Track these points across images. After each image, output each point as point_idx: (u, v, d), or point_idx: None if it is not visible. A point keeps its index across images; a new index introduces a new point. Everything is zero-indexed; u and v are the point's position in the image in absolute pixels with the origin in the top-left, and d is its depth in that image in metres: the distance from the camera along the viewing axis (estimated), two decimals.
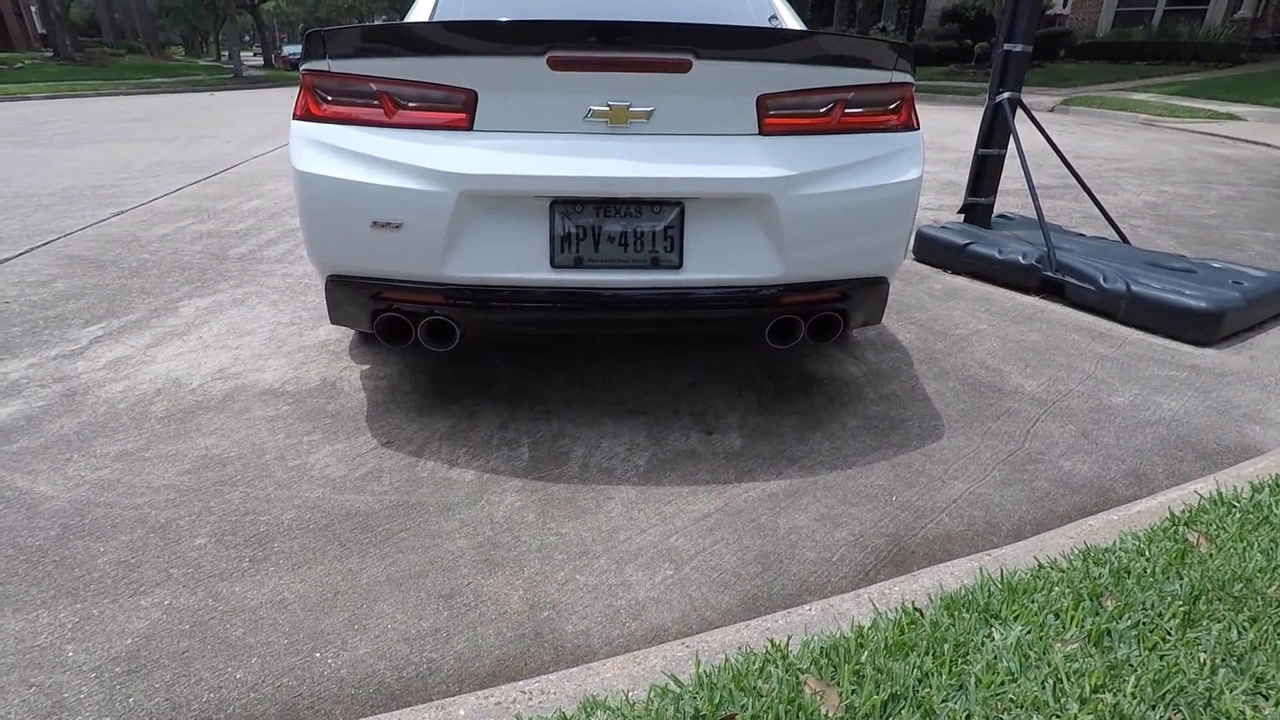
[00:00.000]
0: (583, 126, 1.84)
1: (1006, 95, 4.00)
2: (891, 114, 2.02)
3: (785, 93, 1.89)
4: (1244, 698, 1.20)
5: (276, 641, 1.46)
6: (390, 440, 2.20)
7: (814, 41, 1.89)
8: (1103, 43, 20.22)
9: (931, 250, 4.08)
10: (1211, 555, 1.55)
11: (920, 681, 1.23)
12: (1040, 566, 1.53)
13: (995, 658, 1.27)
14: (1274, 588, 1.44)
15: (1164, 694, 1.20)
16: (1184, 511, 1.71)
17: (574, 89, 1.80)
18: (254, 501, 1.90)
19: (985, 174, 4.29)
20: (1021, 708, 1.18)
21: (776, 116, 1.91)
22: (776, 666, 1.27)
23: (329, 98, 1.88)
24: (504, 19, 1.81)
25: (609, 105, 1.82)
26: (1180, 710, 1.18)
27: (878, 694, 1.20)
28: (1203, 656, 1.28)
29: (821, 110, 1.94)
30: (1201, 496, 1.78)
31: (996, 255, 3.72)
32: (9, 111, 13.12)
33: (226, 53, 36.91)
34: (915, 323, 3.22)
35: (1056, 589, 1.45)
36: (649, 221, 1.90)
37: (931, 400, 2.50)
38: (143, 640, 1.45)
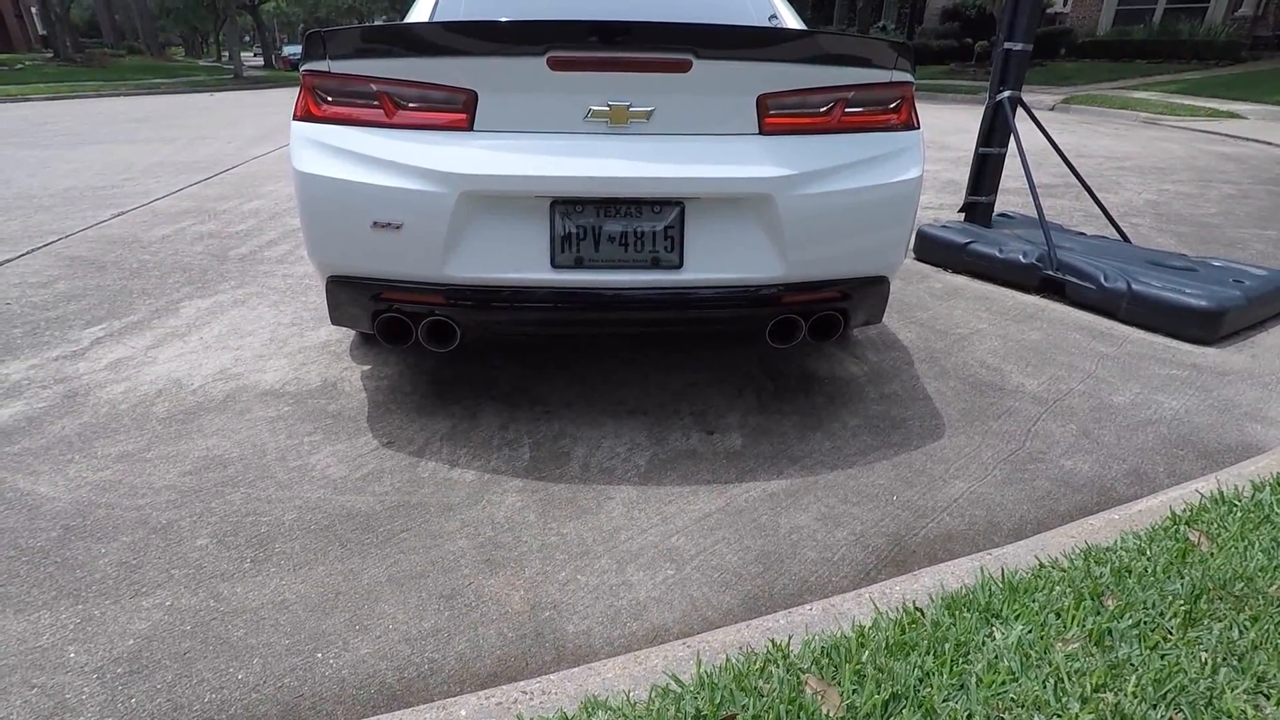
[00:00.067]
0: (583, 126, 1.84)
1: (1007, 94, 4.00)
2: (892, 113, 2.02)
3: (785, 92, 1.89)
4: (1245, 697, 1.20)
5: (278, 642, 1.46)
6: (391, 441, 2.20)
7: (814, 41, 1.89)
8: (1103, 41, 20.21)
9: (932, 249, 4.08)
10: (1213, 554, 1.54)
11: (921, 681, 1.23)
12: (1041, 566, 1.53)
13: (996, 657, 1.27)
14: (1275, 587, 1.44)
15: (1165, 693, 1.20)
16: (1185, 510, 1.71)
17: (574, 89, 1.80)
18: (255, 502, 1.90)
19: (986, 173, 4.29)
20: (1023, 707, 1.18)
21: (777, 116, 1.91)
22: (777, 666, 1.27)
23: (329, 98, 1.88)
24: (504, 19, 1.81)
25: (609, 105, 1.82)
26: (1181, 709, 1.18)
27: (879, 693, 1.20)
28: (1204, 656, 1.28)
29: (822, 110, 1.94)
30: (1203, 495, 1.78)
31: (997, 254, 3.72)
32: (10, 113, 13.13)
33: (227, 53, 36.93)
34: (916, 322, 3.21)
35: (1057, 588, 1.45)
36: (649, 221, 1.90)
37: (932, 399, 2.50)
38: (144, 641, 1.46)
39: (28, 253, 4.12)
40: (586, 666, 1.33)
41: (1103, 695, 1.20)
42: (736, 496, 1.96)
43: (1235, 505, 1.73)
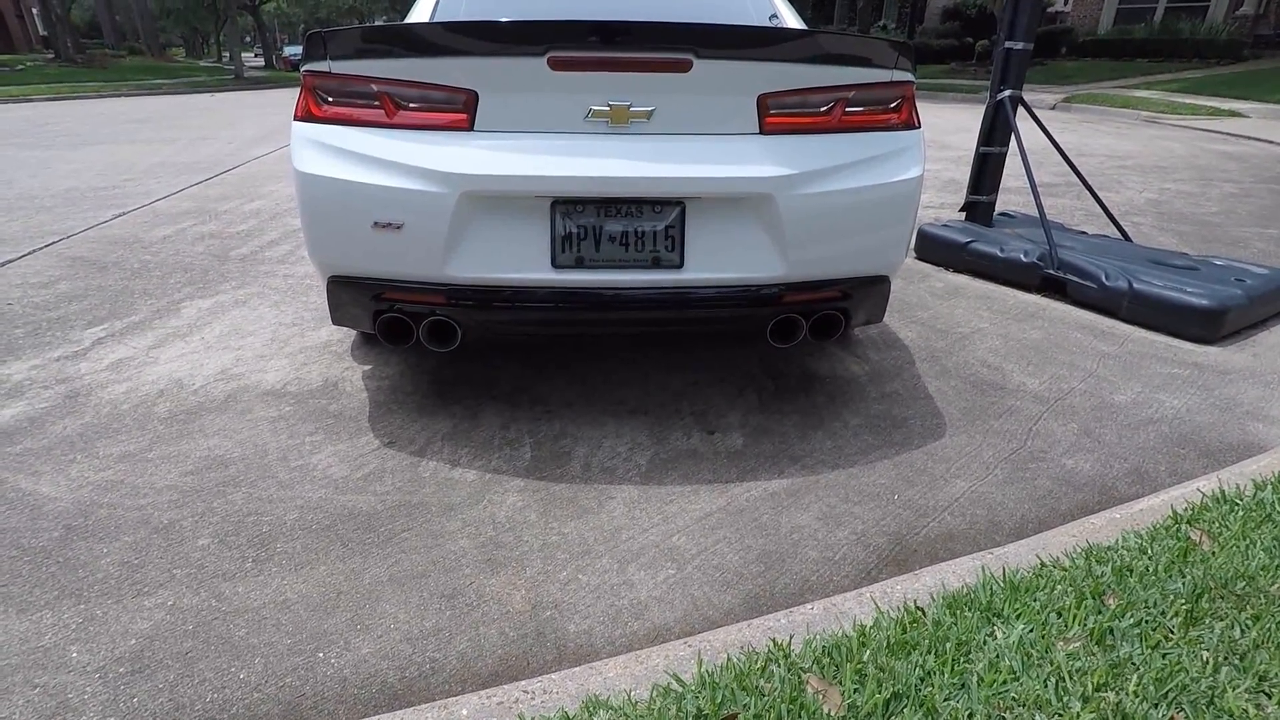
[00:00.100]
0: (583, 126, 1.84)
1: (1008, 93, 4.00)
2: (892, 112, 2.02)
3: (786, 92, 1.89)
4: (1246, 696, 1.20)
5: (279, 642, 1.46)
6: (392, 440, 2.20)
7: (814, 40, 1.89)
8: (1104, 40, 20.19)
9: (933, 248, 4.07)
10: (1214, 553, 1.54)
11: (922, 680, 1.23)
12: (1042, 565, 1.53)
13: (997, 656, 1.27)
14: (1277, 585, 1.44)
15: (1166, 692, 1.20)
16: (1186, 509, 1.71)
17: (574, 89, 1.81)
18: (257, 502, 1.90)
19: (986, 172, 4.28)
20: (1024, 706, 1.18)
21: (777, 116, 1.91)
22: (779, 666, 1.27)
23: (330, 99, 1.88)
24: (504, 19, 1.81)
25: (609, 105, 1.82)
26: (1183, 708, 1.18)
27: (880, 693, 1.20)
28: (1205, 655, 1.28)
29: (822, 109, 1.94)
30: (1204, 494, 1.78)
31: (998, 253, 3.71)
32: (11, 113, 13.14)
33: (227, 54, 36.94)
34: (917, 321, 3.21)
35: (1059, 587, 1.45)
36: (650, 221, 1.90)
37: (933, 398, 2.50)
38: (146, 641, 1.46)
39: (29, 253, 4.12)
40: (588, 666, 1.33)
41: (1104, 694, 1.20)
42: (738, 496, 1.96)
43: (1237, 504, 1.73)
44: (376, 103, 1.84)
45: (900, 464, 2.11)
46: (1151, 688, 1.21)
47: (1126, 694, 1.20)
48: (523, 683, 1.28)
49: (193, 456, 2.11)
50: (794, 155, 1.90)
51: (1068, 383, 2.62)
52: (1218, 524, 1.65)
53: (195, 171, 6.83)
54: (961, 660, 1.27)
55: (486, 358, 2.77)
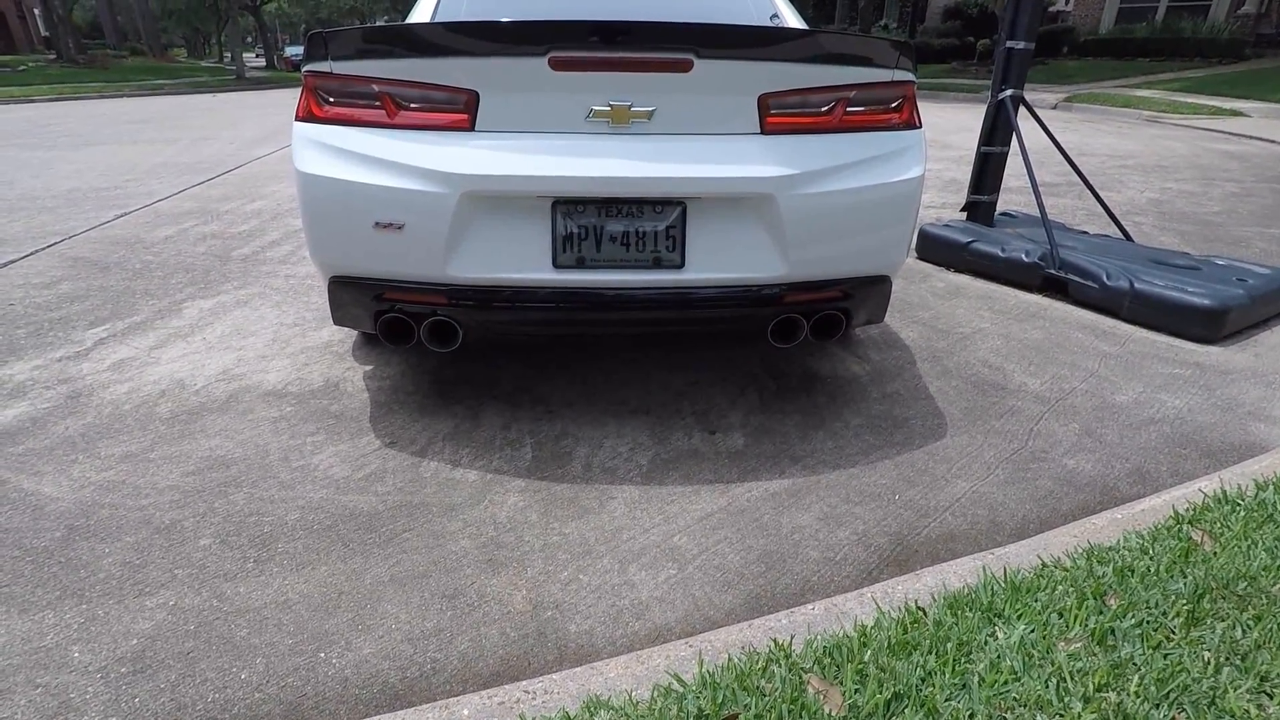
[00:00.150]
0: (584, 126, 1.84)
1: (1009, 93, 3.99)
2: (893, 112, 2.02)
3: (787, 92, 1.88)
4: (1248, 696, 1.20)
5: (281, 642, 1.46)
6: (393, 441, 2.21)
7: (815, 40, 1.89)
8: (1105, 39, 20.18)
9: (934, 248, 4.07)
10: (1216, 553, 1.54)
11: (923, 680, 1.23)
12: (1044, 565, 1.53)
13: (998, 656, 1.27)
14: (1278, 586, 1.44)
15: (1168, 693, 1.20)
16: (1188, 510, 1.71)
17: (575, 89, 1.81)
18: (258, 502, 1.90)
19: (988, 172, 4.28)
20: (1025, 706, 1.18)
21: (778, 115, 1.91)
22: (779, 666, 1.27)
23: (331, 99, 1.89)
24: (505, 19, 1.82)
25: (610, 105, 1.82)
26: (1184, 709, 1.18)
27: (881, 693, 1.20)
28: (1207, 655, 1.28)
29: (823, 109, 1.94)
30: (1206, 495, 1.78)
31: (999, 253, 3.71)
32: (13, 114, 13.16)
33: (229, 54, 36.99)
34: (918, 321, 3.21)
35: (1060, 588, 1.45)
36: (651, 221, 1.90)
37: (934, 399, 2.50)
38: (148, 641, 1.46)
39: (31, 254, 4.13)
40: (589, 666, 1.33)
41: (1105, 695, 1.20)
42: (739, 496, 1.96)
43: (1238, 504, 1.72)
44: (377, 103, 1.85)
45: (901, 464, 2.11)
46: (1153, 688, 1.21)
47: (1128, 694, 1.20)
48: (524, 683, 1.28)
49: (194, 457, 2.11)
50: (795, 155, 1.89)
51: (1069, 383, 2.62)
52: (1219, 524, 1.65)
53: (197, 172, 6.84)
54: (963, 660, 1.27)
55: (488, 358, 2.77)
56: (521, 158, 1.82)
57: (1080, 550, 1.57)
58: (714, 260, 1.94)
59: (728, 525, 1.84)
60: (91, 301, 3.37)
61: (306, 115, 1.92)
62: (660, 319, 2.13)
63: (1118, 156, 7.85)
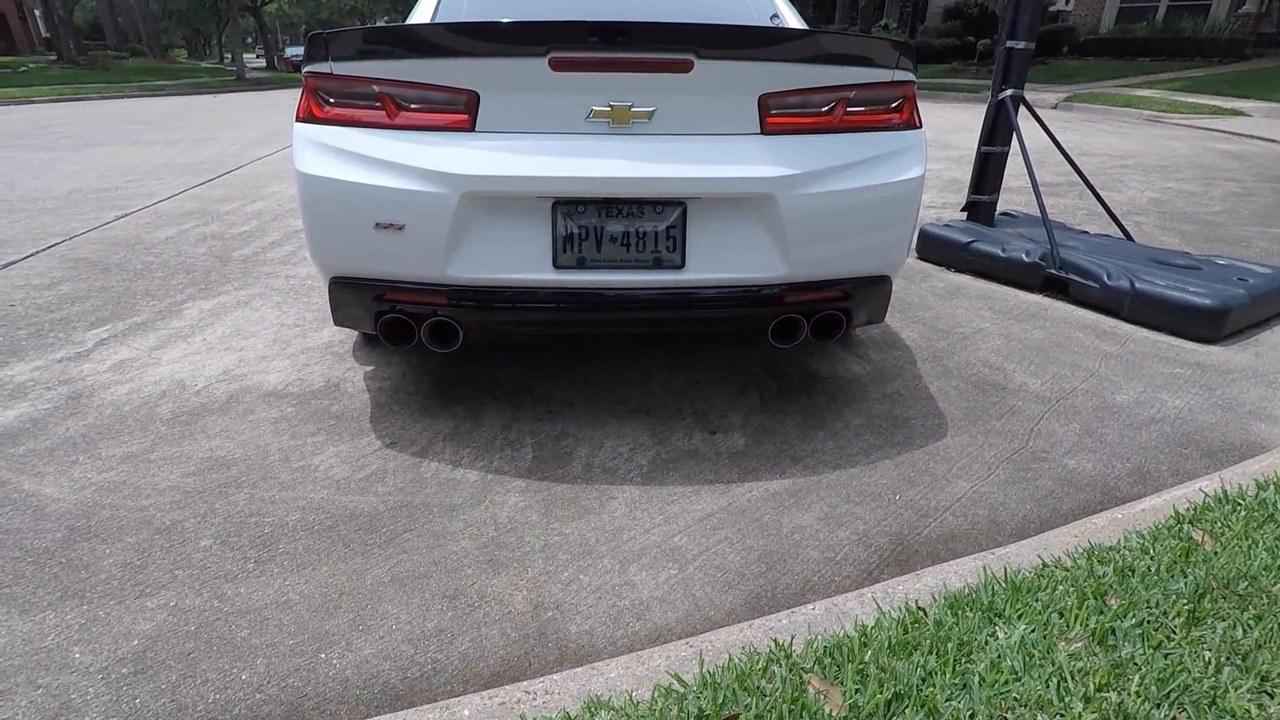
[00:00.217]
0: (585, 127, 1.84)
1: (1009, 92, 3.99)
2: (894, 112, 2.02)
3: (787, 92, 1.88)
4: (1249, 696, 1.19)
5: (282, 642, 1.47)
6: (394, 441, 2.21)
7: (816, 40, 1.89)
8: (1106, 39, 20.17)
9: (934, 248, 4.07)
10: (1216, 553, 1.54)
11: (924, 680, 1.23)
12: (1044, 565, 1.52)
13: (999, 656, 1.27)
14: (1279, 585, 1.44)
15: (1168, 692, 1.20)
16: (1189, 509, 1.71)
17: (576, 89, 1.81)
18: (259, 503, 1.90)
19: (988, 172, 4.28)
20: (1025, 706, 1.18)
21: (778, 116, 1.91)
22: (780, 666, 1.27)
23: (331, 100, 1.89)
24: (505, 20, 1.82)
25: (611, 106, 1.82)
26: (1185, 709, 1.18)
27: (881, 693, 1.20)
28: (1207, 655, 1.28)
29: (823, 109, 1.94)
30: (1206, 494, 1.78)
31: (1000, 253, 3.71)
32: (14, 115, 13.18)
33: (229, 55, 37.01)
34: (918, 321, 3.21)
35: (1060, 587, 1.44)
36: (651, 221, 1.90)
37: (935, 399, 2.50)
38: (149, 642, 1.46)
39: (32, 254, 4.13)
40: (589, 666, 1.33)
41: (1106, 695, 1.20)
42: (739, 496, 1.96)
43: (1239, 504, 1.72)
44: (378, 104, 1.85)
45: (902, 464, 2.11)
46: (1153, 688, 1.21)
47: (1128, 694, 1.20)
48: (524, 683, 1.28)
49: (195, 457, 2.11)
50: (795, 155, 1.89)
51: (1070, 383, 2.62)
52: (1220, 524, 1.65)
53: (197, 173, 6.84)
54: (963, 660, 1.27)
55: (488, 358, 2.77)
56: (522, 158, 1.82)
57: (1081, 550, 1.57)
58: (714, 260, 1.94)
59: (728, 525, 1.84)
60: (92, 302, 3.37)
61: (307, 116, 1.92)
62: (661, 319, 2.13)
63: (1118, 156, 7.84)
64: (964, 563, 1.58)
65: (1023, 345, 2.94)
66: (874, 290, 2.13)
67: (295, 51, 36.66)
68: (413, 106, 1.85)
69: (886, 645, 1.30)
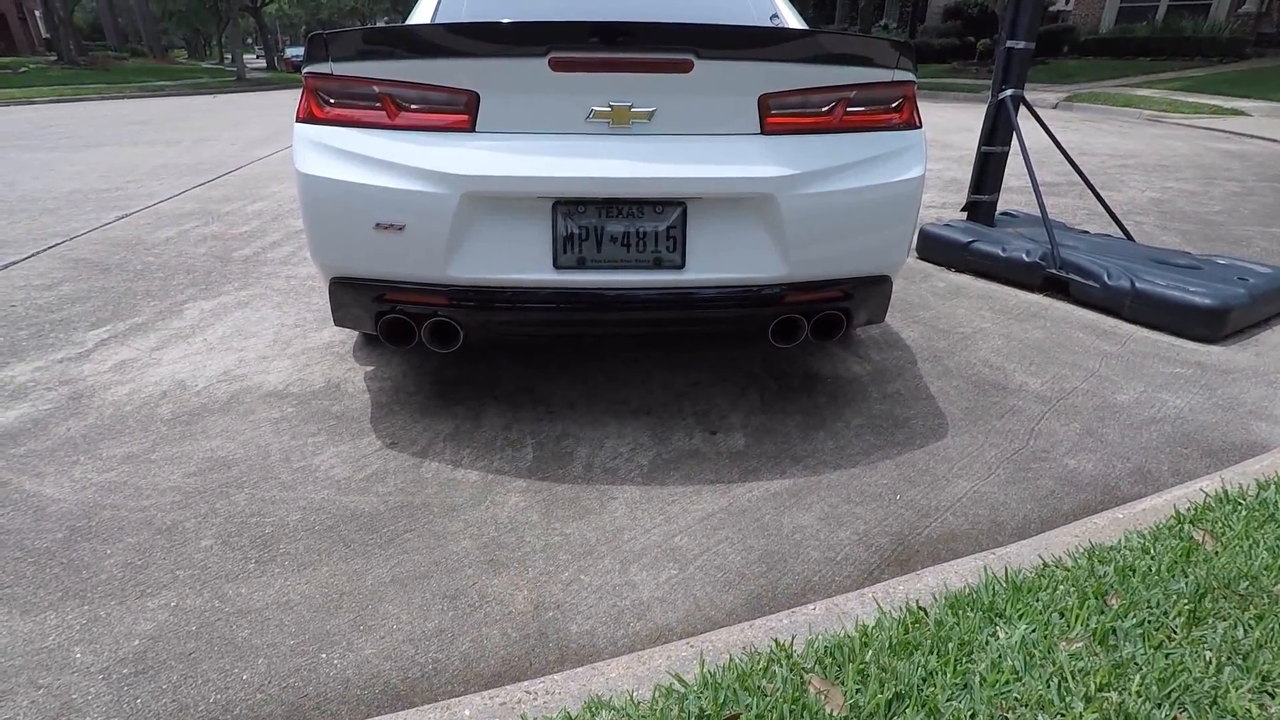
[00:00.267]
0: (585, 127, 1.84)
1: (1009, 92, 3.99)
2: (894, 112, 2.02)
3: (787, 92, 1.88)
4: (1250, 696, 1.19)
5: (282, 643, 1.47)
6: (395, 441, 2.21)
7: (815, 40, 1.89)
8: (1106, 39, 20.17)
9: (935, 248, 4.07)
10: (1217, 553, 1.54)
11: (925, 680, 1.23)
12: (1045, 565, 1.52)
13: (1000, 656, 1.27)
14: (1279, 585, 1.44)
15: (1169, 692, 1.20)
16: (1189, 509, 1.71)
17: (576, 90, 1.81)
18: (259, 503, 1.90)
19: (988, 171, 4.28)
20: (1026, 706, 1.18)
21: (778, 116, 1.91)
22: (781, 666, 1.27)
23: (332, 100, 1.89)
24: (505, 20, 1.82)
25: (611, 106, 1.82)
26: (1186, 709, 1.18)
27: (882, 693, 1.20)
28: (1208, 655, 1.28)
29: (823, 109, 1.94)
30: (1207, 494, 1.78)
31: (1000, 253, 3.71)
32: (14, 115, 13.18)
33: (229, 55, 37.02)
34: (919, 321, 3.21)
35: (1061, 587, 1.44)
36: (651, 222, 1.90)
37: (935, 399, 2.50)
38: (150, 642, 1.46)
39: (32, 255, 4.13)
40: (590, 666, 1.33)
41: (1107, 695, 1.20)
42: (740, 496, 1.96)
43: (1240, 504, 1.72)
44: (378, 104, 1.85)
45: (902, 464, 2.11)
46: (1154, 688, 1.21)
47: (1129, 694, 1.20)
48: (525, 683, 1.28)
49: (195, 458, 2.11)
50: (795, 155, 1.90)
51: (1070, 382, 2.62)
52: (1221, 524, 1.65)
53: (198, 173, 6.84)
54: (964, 660, 1.27)
55: (489, 358, 2.77)
56: (522, 158, 1.82)
57: (1081, 550, 1.57)
58: (714, 260, 1.94)
59: (729, 525, 1.84)
60: (93, 303, 3.38)
61: (307, 116, 1.92)
62: (661, 319, 2.13)
63: (1119, 156, 7.84)
64: (965, 563, 1.58)
65: (1023, 345, 2.94)
66: (874, 290, 2.13)
67: (295, 52, 36.67)
68: (413, 107, 1.85)
69: (887, 645, 1.30)
